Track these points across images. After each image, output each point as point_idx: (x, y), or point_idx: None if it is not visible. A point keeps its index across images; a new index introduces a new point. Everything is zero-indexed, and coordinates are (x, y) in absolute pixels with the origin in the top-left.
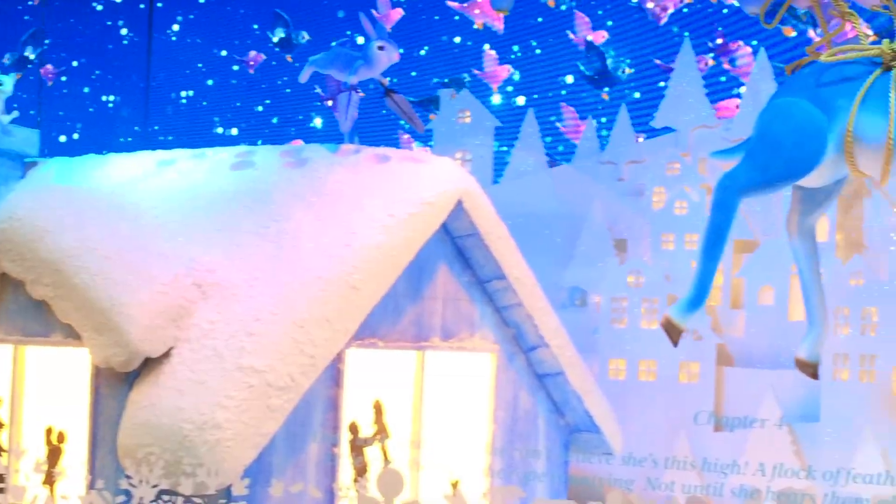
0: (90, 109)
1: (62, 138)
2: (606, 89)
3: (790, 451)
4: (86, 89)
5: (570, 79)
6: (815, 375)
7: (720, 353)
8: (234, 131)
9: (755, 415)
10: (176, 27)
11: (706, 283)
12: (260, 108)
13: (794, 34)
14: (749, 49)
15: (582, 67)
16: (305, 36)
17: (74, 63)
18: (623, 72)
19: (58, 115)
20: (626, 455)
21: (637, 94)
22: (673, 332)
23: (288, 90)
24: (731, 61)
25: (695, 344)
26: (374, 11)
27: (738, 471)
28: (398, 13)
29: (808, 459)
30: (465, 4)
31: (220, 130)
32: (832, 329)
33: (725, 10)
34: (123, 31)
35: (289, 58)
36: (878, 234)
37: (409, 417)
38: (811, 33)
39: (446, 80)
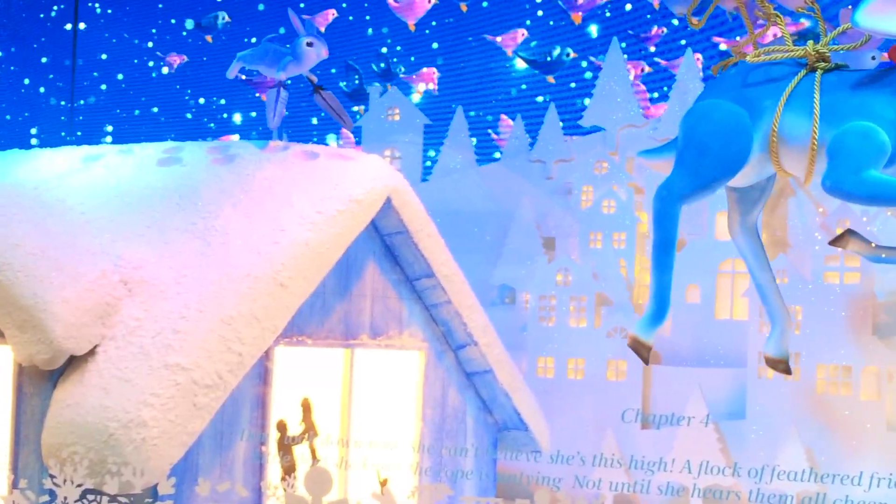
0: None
1: None
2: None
3: (716, 449)
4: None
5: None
6: (787, 371)
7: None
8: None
9: (682, 413)
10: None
11: (665, 296)
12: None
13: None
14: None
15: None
16: (225, 17)
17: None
18: (568, 55)
19: None
20: (554, 453)
21: (573, 84)
22: (641, 349)
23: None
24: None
25: (622, 341)
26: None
27: (665, 468)
28: (332, 13)
29: (735, 457)
30: (402, 4)
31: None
32: (759, 327)
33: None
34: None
35: (208, 38)
36: (802, 233)
37: (338, 415)
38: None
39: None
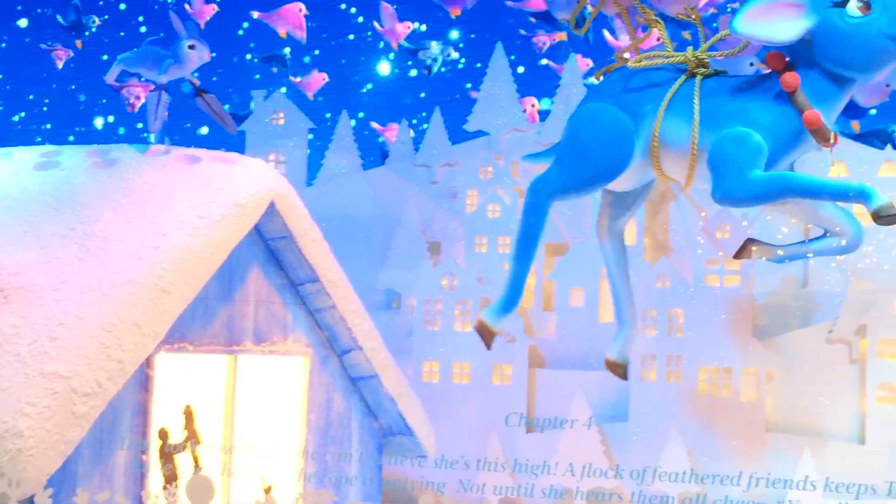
0: None
1: None
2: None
3: (600, 451)
4: None
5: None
6: (624, 376)
7: (532, 354)
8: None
9: (566, 416)
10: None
11: (519, 287)
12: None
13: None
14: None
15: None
16: (96, 20)
17: None
18: (449, 55)
19: None
20: (439, 457)
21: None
22: (486, 334)
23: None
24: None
25: (508, 346)
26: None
27: (548, 471)
28: (212, 9)
29: (617, 459)
30: (271, 13)
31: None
32: (640, 330)
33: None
34: None
35: (78, 43)
36: (684, 237)
37: (221, 422)
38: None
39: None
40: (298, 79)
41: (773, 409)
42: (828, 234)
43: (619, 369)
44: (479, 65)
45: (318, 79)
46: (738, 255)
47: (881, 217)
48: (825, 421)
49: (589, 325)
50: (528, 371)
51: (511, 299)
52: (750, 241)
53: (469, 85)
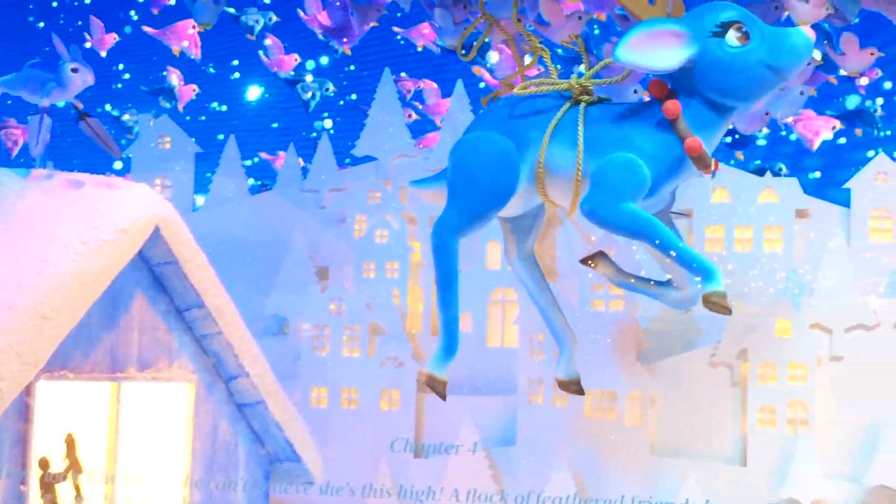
0: None
1: None
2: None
3: (487, 476)
4: None
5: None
6: (579, 391)
7: (421, 380)
8: None
9: (454, 441)
10: None
11: (454, 330)
12: None
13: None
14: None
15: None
16: None
17: None
18: (327, 90)
19: None
20: (326, 484)
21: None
22: (438, 386)
23: None
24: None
25: (395, 371)
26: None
27: (434, 497)
28: (112, 38)
29: (505, 483)
30: (163, 30)
31: None
32: (528, 354)
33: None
34: None
35: None
36: (569, 262)
37: (104, 451)
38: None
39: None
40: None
41: (657, 433)
42: (670, 284)
43: (573, 386)
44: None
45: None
46: (583, 261)
47: (710, 302)
48: (708, 444)
49: (477, 349)
50: (416, 396)
51: (450, 344)
52: (599, 254)
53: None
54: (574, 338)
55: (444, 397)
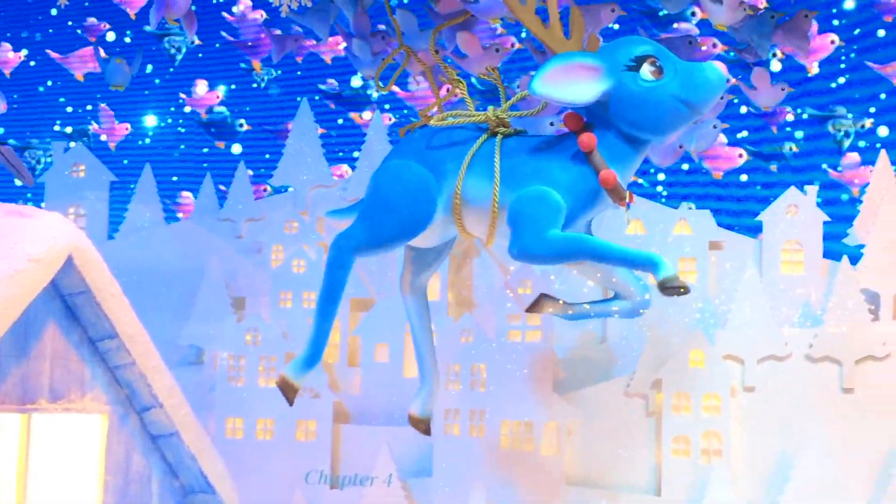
0: None
1: None
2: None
3: None
4: None
5: None
6: (427, 431)
7: (337, 410)
8: None
9: (370, 472)
10: None
11: (321, 342)
12: None
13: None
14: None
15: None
16: None
17: None
18: (241, 126)
19: None
20: None
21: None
22: (289, 390)
23: None
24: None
25: (312, 402)
26: None
27: None
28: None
29: None
30: (66, 56)
31: None
32: (445, 385)
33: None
34: None
35: None
36: (486, 293)
37: (13, 484)
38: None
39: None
40: (98, 126)
41: (573, 463)
42: (619, 297)
43: (422, 425)
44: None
45: (121, 129)
46: (530, 309)
47: (666, 288)
48: (623, 474)
49: (394, 380)
50: (332, 427)
51: (314, 355)
52: (543, 296)
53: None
54: (437, 380)
55: (291, 402)
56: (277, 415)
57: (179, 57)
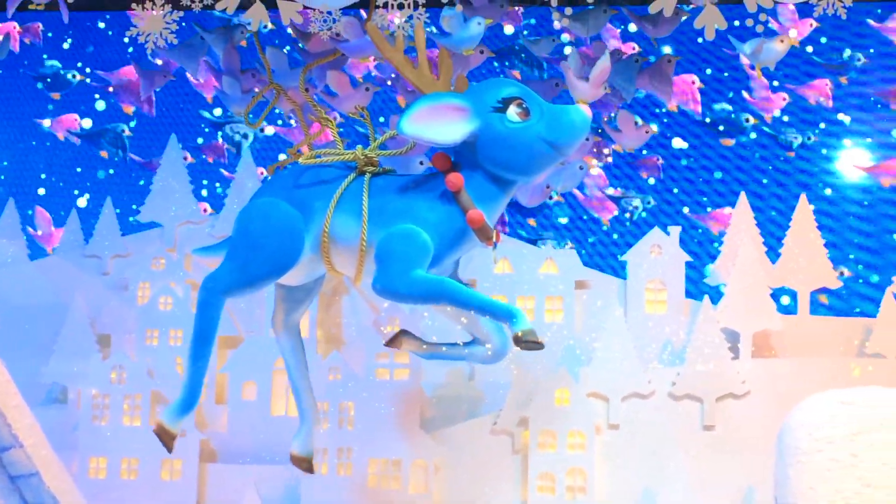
0: None
1: None
2: None
3: None
4: None
5: None
6: (309, 469)
7: (203, 449)
8: None
9: None
10: None
11: (197, 386)
12: None
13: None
14: None
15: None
16: None
17: None
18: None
19: None
20: None
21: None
22: (166, 437)
23: None
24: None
25: (179, 441)
26: None
27: None
28: None
29: None
30: None
31: None
32: (321, 423)
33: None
34: None
35: None
36: (356, 330)
37: None
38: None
39: None
40: None
41: (441, 500)
42: (476, 342)
43: (304, 463)
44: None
45: None
46: (388, 344)
47: (521, 342)
48: None
49: (261, 418)
50: (198, 466)
51: (190, 399)
52: (403, 333)
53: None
54: (317, 417)
55: (170, 449)
56: (142, 454)
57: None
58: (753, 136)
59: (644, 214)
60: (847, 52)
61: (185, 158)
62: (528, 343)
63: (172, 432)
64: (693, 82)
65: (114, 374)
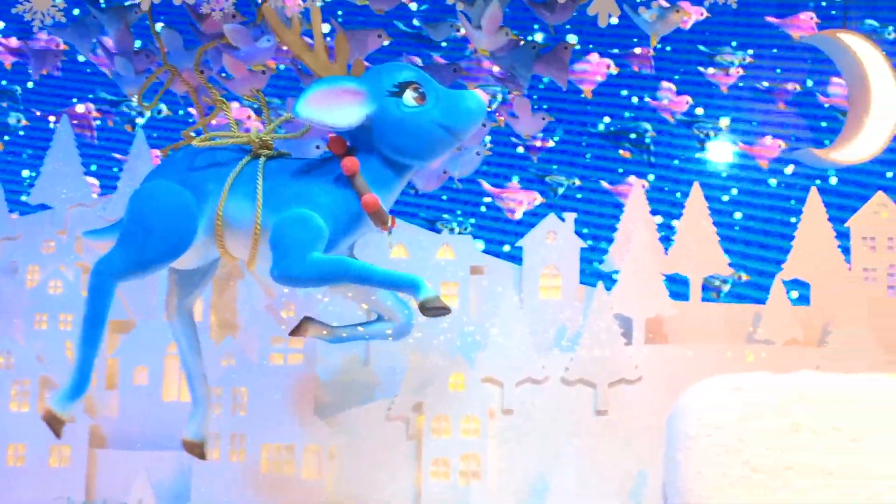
0: None
1: None
2: None
3: None
4: None
5: None
6: (202, 455)
7: (93, 434)
8: None
9: (126, 497)
10: None
11: (87, 371)
12: None
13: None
14: None
15: None
16: None
17: None
18: None
19: None
20: None
21: None
22: (55, 423)
23: None
24: None
25: (67, 427)
26: None
27: None
28: None
29: None
30: None
31: None
32: (214, 408)
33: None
34: None
35: None
36: (251, 315)
37: None
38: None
39: None
40: None
41: (335, 486)
42: (381, 319)
43: (197, 449)
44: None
45: None
46: (294, 333)
47: (427, 309)
48: (384, 496)
49: (153, 403)
50: (88, 452)
51: (79, 384)
52: (307, 320)
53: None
54: (209, 403)
55: (59, 435)
56: (29, 440)
57: None
58: (653, 135)
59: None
60: (734, 43)
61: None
62: (434, 309)
63: (61, 418)
64: (608, 66)
65: (1, 358)
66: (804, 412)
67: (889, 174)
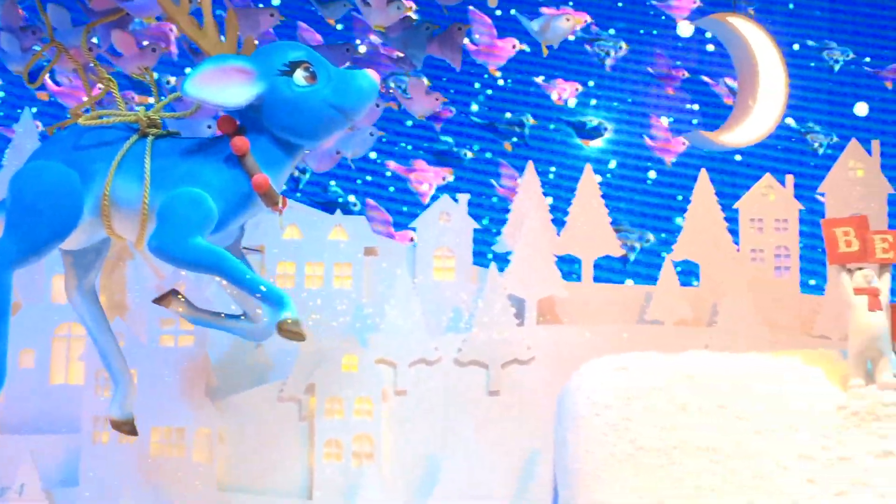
0: None
1: None
2: None
3: None
4: None
5: None
6: (132, 432)
7: None
8: None
9: (12, 482)
10: None
11: (2, 364)
12: None
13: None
14: None
15: None
16: None
17: None
18: None
19: None
20: None
21: None
22: None
23: None
24: None
25: None
26: None
27: None
28: None
29: None
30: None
31: None
32: (94, 391)
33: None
34: None
35: None
36: (140, 295)
37: None
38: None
39: None
40: None
41: (226, 469)
42: (245, 317)
43: (125, 426)
44: None
45: None
46: (157, 301)
47: (283, 330)
48: (276, 479)
49: (40, 387)
50: None
51: None
52: (171, 293)
53: None
54: (131, 378)
55: None
56: None
57: None
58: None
59: None
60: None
61: None
62: (290, 333)
63: None
64: (514, 46)
65: None
66: (690, 392)
67: (777, 156)
